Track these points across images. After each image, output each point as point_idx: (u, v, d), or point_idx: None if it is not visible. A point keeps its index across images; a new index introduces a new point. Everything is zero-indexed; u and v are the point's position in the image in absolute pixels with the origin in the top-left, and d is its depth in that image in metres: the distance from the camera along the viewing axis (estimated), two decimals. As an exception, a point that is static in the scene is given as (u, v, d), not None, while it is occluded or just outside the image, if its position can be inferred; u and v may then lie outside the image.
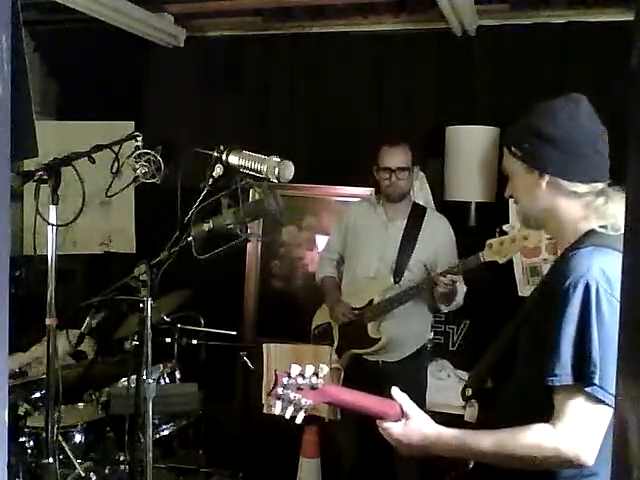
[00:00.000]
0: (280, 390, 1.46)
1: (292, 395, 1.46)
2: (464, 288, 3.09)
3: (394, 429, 1.54)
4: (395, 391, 1.57)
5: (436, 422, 1.55)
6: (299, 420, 1.49)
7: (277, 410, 1.47)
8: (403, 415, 1.54)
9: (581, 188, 1.49)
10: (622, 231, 1.46)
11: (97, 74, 4.29)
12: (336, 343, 3.29)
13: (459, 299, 3.10)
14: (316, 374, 1.49)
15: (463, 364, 3.67)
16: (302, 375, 1.48)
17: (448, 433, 1.50)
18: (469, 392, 1.68)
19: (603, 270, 1.37)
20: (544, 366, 1.38)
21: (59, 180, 2.11)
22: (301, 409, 1.48)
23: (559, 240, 1.59)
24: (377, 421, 1.56)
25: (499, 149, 3.63)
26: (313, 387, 1.48)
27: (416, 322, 3.23)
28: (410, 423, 1.53)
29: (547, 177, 1.50)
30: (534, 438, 1.37)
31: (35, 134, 1.63)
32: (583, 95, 1.54)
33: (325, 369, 1.50)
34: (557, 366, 1.35)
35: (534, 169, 1.52)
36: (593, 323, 1.34)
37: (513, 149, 1.56)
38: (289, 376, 1.47)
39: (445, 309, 3.18)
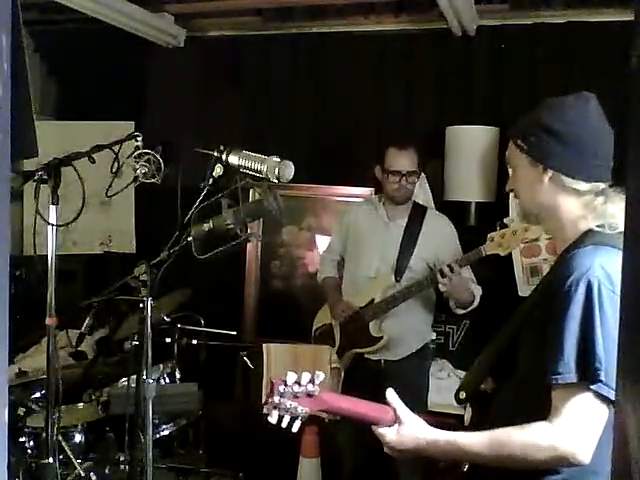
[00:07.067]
0: (277, 399, 1.43)
1: (289, 403, 1.43)
2: (479, 291, 3.07)
3: (387, 435, 1.51)
4: (389, 394, 1.54)
5: (435, 424, 1.53)
6: (295, 429, 1.46)
7: (274, 419, 1.44)
8: (396, 420, 1.51)
9: (582, 186, 1.48)
10: (620, 229, 1.46)
11: (97, 74, 4.29)
12: (337, 343, 3.28)
13: (476, 302, 3.07)
14: (312, 381, 1.46)
15: (463, 364, 3.67)
16: (298, 383, 1.45)
17: (443, 437, 1.47)
18: (463, 395, 1.66)
19: (604, 268, 1.37)
20: (546, 365, 1.37)
21: (59, 180, 2.12)
22: (297, 417, 1.45)
23: (558, 239, 1.58)
24: (372, 427, 1.54)
25: (499, 149, 3.63)
26: (309, 394, 1.45)
27: (418, 320, 3.23)
28: (403, 428, 1.50)
29: (550, 172, 1.50)
30: (531, 436, 1.36)
31: (35, 134, 1.63)
32: (592, 94, 1.53)
33: (321, 376, 1.47)
34: (560, 364, 1.34)
35: (538, 163, 1.52)
36: (596, 321, 1.33)
37: (519, 142, 1.55)
38: (285, 384, 1.44)
39: (461, 312, 3.14)
